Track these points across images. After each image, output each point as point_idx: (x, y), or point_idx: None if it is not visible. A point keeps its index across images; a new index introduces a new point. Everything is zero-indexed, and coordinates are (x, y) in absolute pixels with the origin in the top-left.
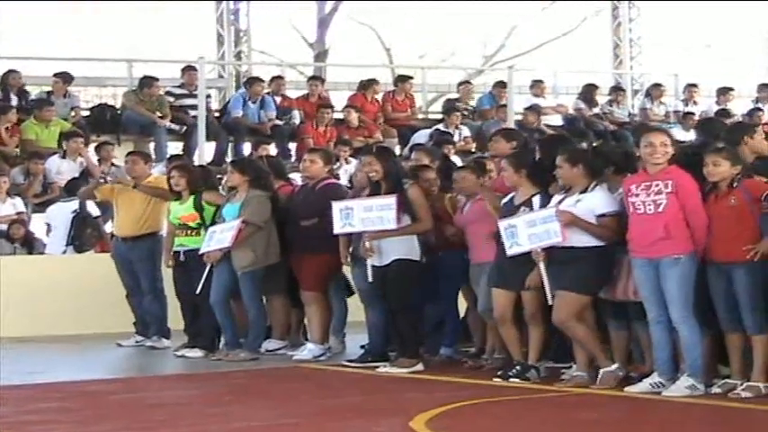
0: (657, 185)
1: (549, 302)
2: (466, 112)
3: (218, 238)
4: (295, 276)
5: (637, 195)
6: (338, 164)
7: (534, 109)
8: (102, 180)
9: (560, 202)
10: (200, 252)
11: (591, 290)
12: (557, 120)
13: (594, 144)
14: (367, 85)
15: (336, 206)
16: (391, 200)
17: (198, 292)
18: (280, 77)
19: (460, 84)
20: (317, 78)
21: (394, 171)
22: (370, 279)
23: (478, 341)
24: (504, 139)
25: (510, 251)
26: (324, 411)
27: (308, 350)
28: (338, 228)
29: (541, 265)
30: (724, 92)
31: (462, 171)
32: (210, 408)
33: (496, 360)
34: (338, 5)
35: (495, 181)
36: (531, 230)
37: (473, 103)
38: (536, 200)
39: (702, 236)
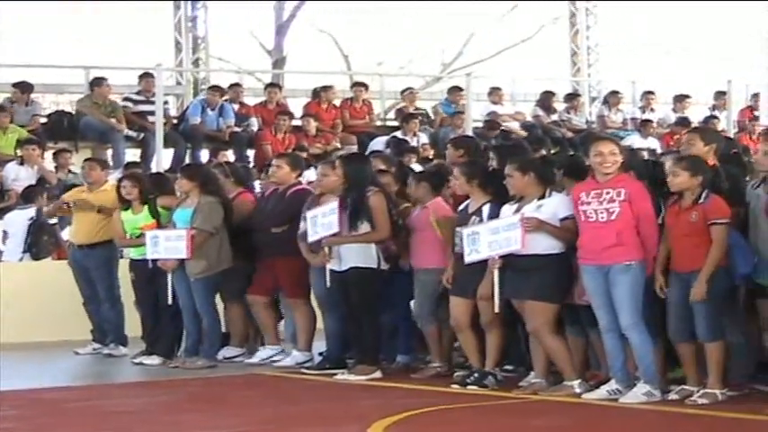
0: (609, 193)
1: (497, 310)
2: (421, 117)
3: (167, 245)
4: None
5: (588, 204)
6: None
7: (489, 122)
8: (65, 206)
9: (517, 210)
10: (147, 257)
11: (558, 297)
12: (514, 127)
13: (553, 151)
14: (320, 92)
15: (308, 215)
16: (333, 205)
17: (171, 302)
18: (238, 85)
19: (404, 91)
20: (274, 85)
21: (358, 178)
22: (328, 284)
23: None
24: (453, 147)
25: (468, 258)
26: (281, 419)
27: (292, 357)
28: (311, 237)
29: (495, 273)
30: (680, 99)
31: (414, 182)
32: (167, 415)
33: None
34: (296, 12)
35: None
36: (493, 238)
37: (429, 108)
38: (485, 209)
39: (654, 244)
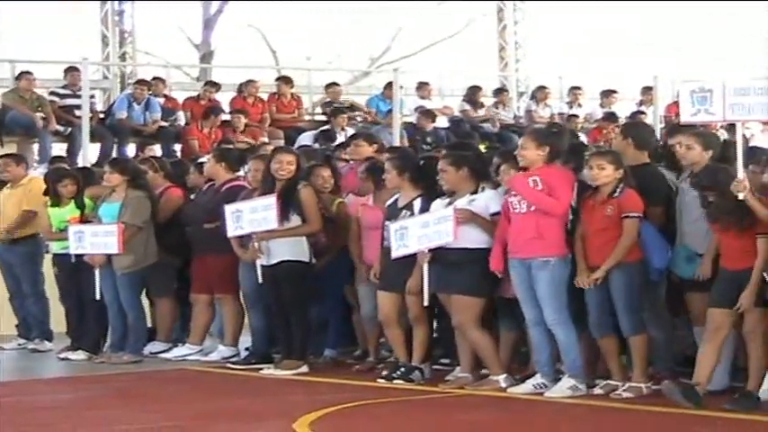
0: (537, 184)
1: (426, 303)
2: (348, 111)
3: (93, 241)
4: (186, 278)
5: (515, 195)
6: None
7: (428, 113)
8: None
9: (449, 204)
10: (71, 252)
11: (485, 292)
12: (442, 122)
13: (483, 147)
14: (243, 87)
15: (228, 209)
16: (271, 200)
17: (98, 297)
18: (160, 79)
19: (328, 86)
20: (213, 84)
21: (300, 172)
22: (260, 280)
23: (363, 342)
24: (367, 142)
25: (396, 253)
26: (206, 414)
27: (218, 352)
28: (231, 231)
29: (425, 267)
30: (607, 94)
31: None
32: (92, 411)
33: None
34: (223, 7)
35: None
36: (423, 231)
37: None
38: (417, 203)
39: (546, 205)
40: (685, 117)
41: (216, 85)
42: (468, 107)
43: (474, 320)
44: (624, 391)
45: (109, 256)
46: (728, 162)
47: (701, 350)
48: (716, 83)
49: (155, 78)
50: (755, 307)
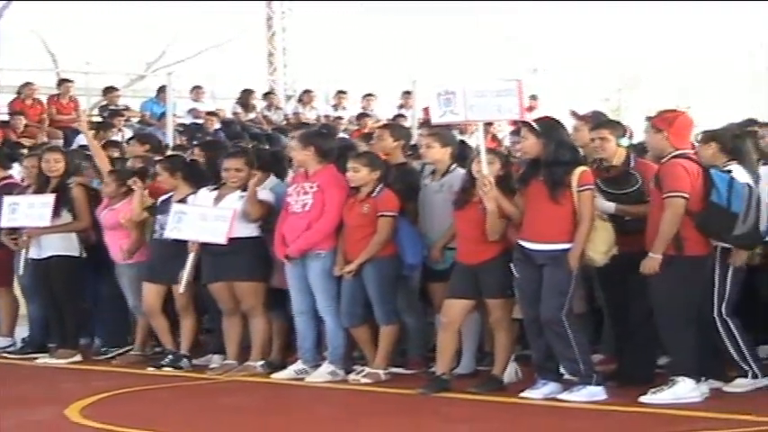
0: (312, 186)
1: (181, 291)
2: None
3: None
4: None
5: (290, 195)
6: None
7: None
8: None
9: (218, 198)
10: None
11: (263, 276)
12: (215, 123)
13: (251, 145)
14: (21, 89)
15: (6, 201)
16: (50, 198)
17: None
18: None
19: (106, 89)
20: None
21: (70, 170)
22: (20, 272)
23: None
24: (139, 143)
25: (169, 233)
26: None
27: None
28: (4, 221)
29: (191, 256)
30: (368, 98)
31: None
32: None
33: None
34: (3, 12)
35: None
36: (200, 223)
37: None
38: (190, 199)
39: (321, 231)
40: (435, 118)
41: None
42: (239, 110)
43: (261, 305)
44: (363, 376)
45: None
46: (464, 160)
47: (440, 338)
48: (458, 85)
49: None
50: (499, 298)
